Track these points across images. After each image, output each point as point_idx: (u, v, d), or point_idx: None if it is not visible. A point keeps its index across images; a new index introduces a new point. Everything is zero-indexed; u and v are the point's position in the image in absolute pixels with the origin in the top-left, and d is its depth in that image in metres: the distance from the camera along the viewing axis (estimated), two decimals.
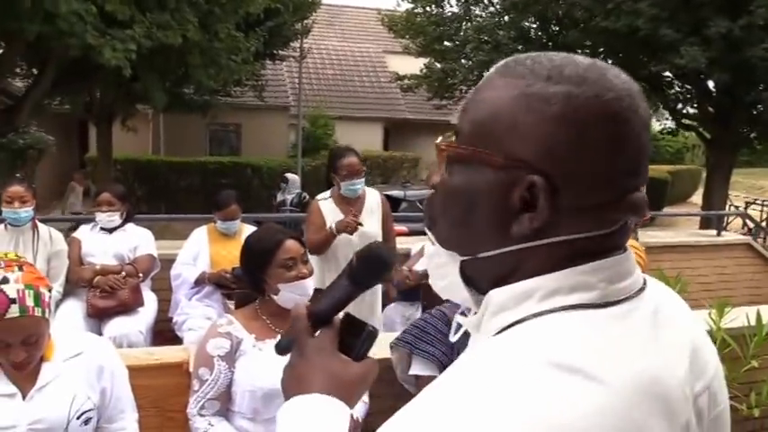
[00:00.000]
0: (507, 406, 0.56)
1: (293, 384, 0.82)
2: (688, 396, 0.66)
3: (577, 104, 0.64)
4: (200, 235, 4.08)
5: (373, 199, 3.82)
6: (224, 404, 2.06)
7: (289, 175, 12.52)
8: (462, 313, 0.82)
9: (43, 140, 12.04)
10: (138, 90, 9.69)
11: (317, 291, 2.32)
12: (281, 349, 0.89)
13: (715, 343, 3.02)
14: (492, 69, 0.73)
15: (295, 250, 2.15)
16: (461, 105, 0.75)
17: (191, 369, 2.19)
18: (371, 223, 3.74)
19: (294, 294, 2.12)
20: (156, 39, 7.44)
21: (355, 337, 0.86)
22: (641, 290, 0.70)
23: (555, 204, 0.64)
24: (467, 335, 0.81)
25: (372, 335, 0.86)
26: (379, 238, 3.74)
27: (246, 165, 16.97)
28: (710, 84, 12.50)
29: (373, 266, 0.89)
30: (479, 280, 0.73)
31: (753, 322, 3.10)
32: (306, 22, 15.91)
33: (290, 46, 15.99)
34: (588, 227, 0.66)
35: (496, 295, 0.69)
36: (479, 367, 0.61)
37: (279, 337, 2.11)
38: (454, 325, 0.86)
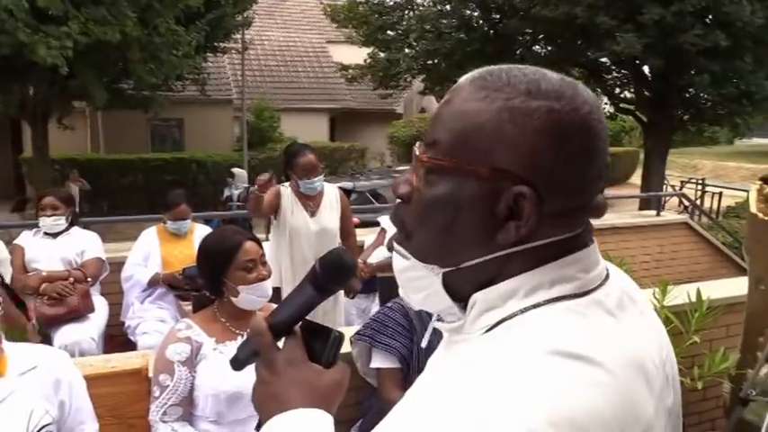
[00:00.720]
0: (526, 396, 0.60)
1: (270, 402, 0.79)
2: (658, 366, 0.73)
3: (558, 118, 0.68)
4: (150, 236, 4.00)
5: (332, 194, 3.83)
6: (187, 409, 2.05)
7: (235, 170, 12.36)
8: (439, 319, 0.83)
9: None
10: (74, 87, 9.36)
11: (274, 289, 2.32)
12: (238, 364, 0.87)
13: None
14: (465, 80, 0.74)
15: (254, 252, 2.15)
16: (434, 115, 0.75)
17: (150, 375, 2.17)
18: (331, 219, 3.76)
19: (254, 296, 2.12)
20: (93, 35, 7.18)
21: (321, 343, 0.83)
22: (607, 276, 0.76)
23: (539, 212, 0.68)
24: (437, 335, 0.83)
25: (339, 339, 0.85)
26: (338, 234, 3.77)
27: (191, 160, 16.64)
28: (646, 69, 12.92)
29: (337, 272, 0.86)
30: (460, 288, 0.74)
31: (693, 299, 3.25)
32: (247, 13, 15.65)
33: (231, 38, 15.70)
34: (563, 230, 0.71)
35: (483, 296, 0.72)
36: (491, 363, 0.64)
37: (239, 339, 2.13)
38: (429, 330, 0.87)
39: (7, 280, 3.63)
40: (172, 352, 2.04)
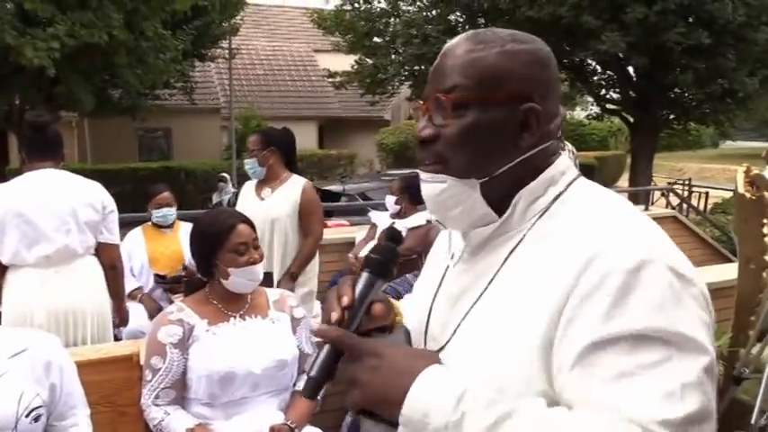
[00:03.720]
0: (635, 232, 0.84)
1: (397, 379, 0.78)
2: None
3: (537, 54, 0.93)
4: (135, 234, 3.99)
5: (295, 184, 3.57)
6: (179, 392, 2.03)
7: (226, 175, 12.43)
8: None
9: None
10: (60, 95, 9.32)
11: (266, 273, 2.31)
12: (311, 392, 0.84)
13: None
14: (460, 39, 0.94)
15: (247, 234, 2.13)
16: (438, 68, 0.94)
17: (141, 361, 2.15)
18: (281, 207, 3.51)
19: (244, 279, 2.11)
20: (80, 37, 7.15)
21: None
22: None
23: (542, 122, 0.91)
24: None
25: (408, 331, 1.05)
26: (289, 223, 3.52)
27: (179, 169, 16.57)
28: (631, 70, 13.05)
29: (389, 256, 0.95)
30: (494, 195, 0.92)
31: None
32: (234, 21, 15.67)
33: (218, 45, 15.71)
34: (553, 136, 0.95)
35: (527, 191, 0.92)
36: (589, 215, 0.88)
37: (232, 320, 2.12)
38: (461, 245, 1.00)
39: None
40: (164, 334, 2.02)
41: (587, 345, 0.76)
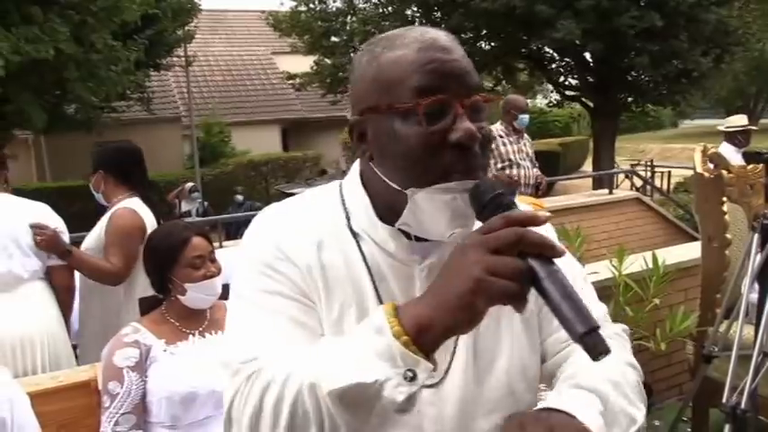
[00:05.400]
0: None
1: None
2: None
3: None
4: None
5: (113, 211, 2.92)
6: (140, 417, 1.94)
7: (193, 184, 12.31)
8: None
9: None
10: (11, 113, 9.05)
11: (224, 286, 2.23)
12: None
13: (618, 288, 3.18)
14: (449, 38, 0.88)
15: (203, 248, 2.06)
16: (461, 69, 0.86)
17: (99, 387, 2.06)
18: (87, 240, 2.95)
19: (202, 294, 2.03)
20: (26, 53, 6.94)
21: None
22: None
23: None
24: None
25: None
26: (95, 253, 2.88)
27: None
28: (587, 55, 13.20)
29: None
30: None
31: (650, 265, 3.29)
32: (188, 28, 15.42)
33: (173, 54, 15.45)
34: None
35: None
36: None
37: (191, 338, 2.04)
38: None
39: None
40: (120, 358, 1.93)
41: None
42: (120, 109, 14.81)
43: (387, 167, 0.88)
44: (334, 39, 16.14)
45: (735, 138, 5.79)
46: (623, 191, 9.00)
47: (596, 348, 0.65)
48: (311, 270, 0.90)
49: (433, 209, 0.83)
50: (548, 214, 0.78)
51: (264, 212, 0.99)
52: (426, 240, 0.90)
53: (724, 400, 2.15)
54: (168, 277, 2.02)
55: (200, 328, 2.05)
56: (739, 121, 5.95)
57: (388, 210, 0.91)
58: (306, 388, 0.75)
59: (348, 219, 0.95)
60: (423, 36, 0.86)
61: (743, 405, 2.08)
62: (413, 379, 0.70)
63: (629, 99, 13.94)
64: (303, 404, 0.75)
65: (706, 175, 2.96)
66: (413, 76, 0.83)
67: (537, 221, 0.71)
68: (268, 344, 0.84)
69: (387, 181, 0.88)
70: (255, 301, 0.89)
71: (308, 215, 0.96)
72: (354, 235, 0.94)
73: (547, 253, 0.69)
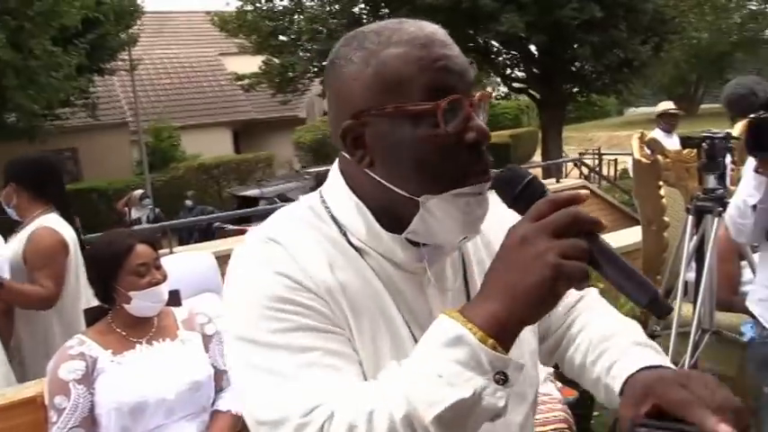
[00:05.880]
0: None
1: None
2: None
3: None
4: None
5: (30, 230, 2.70)
6: (89, 430, 1.91)
7: (143, 191, 12.00)
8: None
9: None
10: None
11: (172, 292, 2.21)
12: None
13: None
14: (443, 33, 0.82)
15: (147, 255, 2.03)
16: (460, 64, 0.80)
17: (46, 402, 2.02)
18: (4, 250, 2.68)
19: (147, 302, 2.01)
20: None
21: None
22: None
23: None
24: None
25: None
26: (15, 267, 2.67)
27: (90, 190, 15.84)
28: (532, 47, 13.44)
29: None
30: None
31: None
32: (131, 31, 15.08)
33: (118, 58, 15.09)
34: None
35: None
36: None
37: (138, 347, 2.02)
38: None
39: None
40: (65, 371, 1.90)
41: None
42: (64, 116, 14.39)
43: (392, 173, 0.81)
44: (281, 38, 16.02)
45: (662, 122, 6.12)
46: (571, 179, 9.22)
47: (662, 310, 0.72)
48: (332, 293, 0.81)
49: (445, 215, 0.80)
50: (587, 192, 0.82)
51: (247, 245, 0.86)
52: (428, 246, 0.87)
53: None
54: (112, 286, 1.99)
55: (148, 337, 2.03)
56: (665, 106, 6.28)
57: (387, 218, 0.85)
58: (399, 421, 0.69)
59: (344, 234, 0.86)
60: (422, 30, 0.80)
61: None
62: (505, 381, 0.69)
63: (574, 89, 14.26)
64: None
65: (643, 160, 3.06)
66: (423, 75, 0.77)
67: (579, 200, 0.72)
68: (322, 386, 0.75)
69: (393, 188, 0.81)
70: (277, 344, 0.77)
71: (303, 235, 0.85)
72: (356, 249, 0.86)
73: (596, 229, 0.71)
